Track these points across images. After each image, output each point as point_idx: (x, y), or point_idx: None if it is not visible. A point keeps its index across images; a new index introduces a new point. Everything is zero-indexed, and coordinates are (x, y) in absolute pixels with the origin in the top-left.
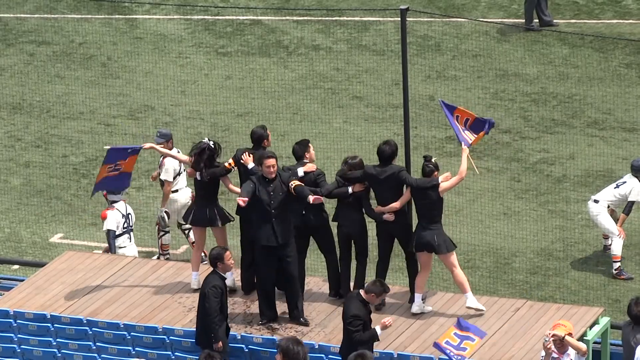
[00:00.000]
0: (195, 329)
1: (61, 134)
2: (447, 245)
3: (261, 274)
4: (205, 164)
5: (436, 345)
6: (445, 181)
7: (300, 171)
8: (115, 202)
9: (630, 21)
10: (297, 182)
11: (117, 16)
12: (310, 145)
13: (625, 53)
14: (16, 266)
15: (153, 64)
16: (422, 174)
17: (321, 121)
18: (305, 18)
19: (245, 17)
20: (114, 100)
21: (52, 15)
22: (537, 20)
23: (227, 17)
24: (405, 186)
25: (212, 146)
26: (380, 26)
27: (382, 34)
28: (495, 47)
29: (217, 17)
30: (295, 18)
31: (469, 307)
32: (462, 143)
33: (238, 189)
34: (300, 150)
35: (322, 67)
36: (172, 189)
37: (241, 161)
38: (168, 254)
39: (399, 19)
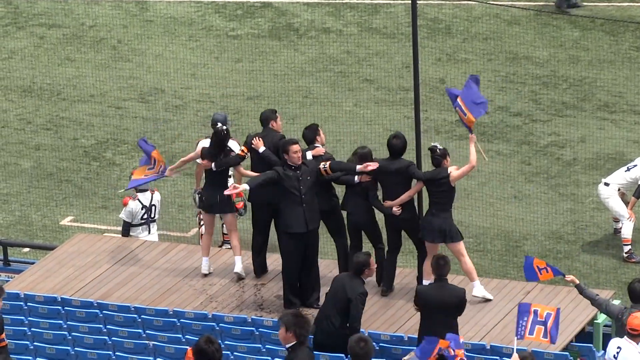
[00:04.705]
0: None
1: (71, 116)
2: (453, 235)
3: (290, 262)
4: (220, 151)
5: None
6: (455, 170)
7: (309, 155)
8: (143, 191)
9: None
10: (328, 163)
11: None
12: (319, 129)
13: (636, 36)
14: (27, 249)
15: (163, 47)
16: (432, 165)
17: (331, 104)
18: (316, 1)
19: (255, 0)
20: (124, 83)
21: None
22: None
23: (238, 0)
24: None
25: (220, 130)
26: (390, 9)
27: (392, 16)
28: (506, 30)
29: (227, 0)
30: (305, 1)
31: (475, 296)
32: (468, 131)
33: (250, 172)
34: (310, 135)
35: (332, 50)
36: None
37: (252, 146)
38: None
39: (410, 1)
